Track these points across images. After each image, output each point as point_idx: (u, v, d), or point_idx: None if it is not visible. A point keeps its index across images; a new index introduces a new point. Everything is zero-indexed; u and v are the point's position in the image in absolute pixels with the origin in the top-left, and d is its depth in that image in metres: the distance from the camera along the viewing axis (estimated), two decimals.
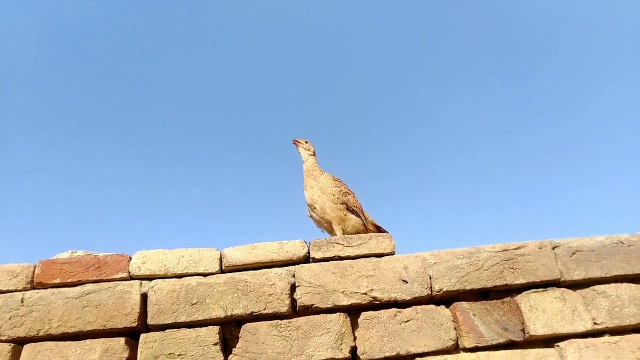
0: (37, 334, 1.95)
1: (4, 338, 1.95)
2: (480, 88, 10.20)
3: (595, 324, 2.04)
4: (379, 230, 2.61)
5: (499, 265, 2.13)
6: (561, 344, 1.99)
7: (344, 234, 2.44)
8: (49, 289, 2.05)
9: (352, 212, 2.49)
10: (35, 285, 2.07)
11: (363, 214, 2.54)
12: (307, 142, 2.73)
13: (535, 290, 2.11)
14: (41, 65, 8.97)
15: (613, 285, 2.13)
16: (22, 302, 2.01)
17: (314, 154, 2.72)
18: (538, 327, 2.01)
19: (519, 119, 9.84)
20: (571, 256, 2.17)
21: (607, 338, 2.01)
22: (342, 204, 2.47)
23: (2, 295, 2.03)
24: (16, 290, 2.05)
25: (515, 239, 2.21)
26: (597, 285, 2.13)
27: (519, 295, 2.10)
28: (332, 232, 2.53)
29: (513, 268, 2.13)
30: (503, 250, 2.18)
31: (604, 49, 8.88)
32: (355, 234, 2.47)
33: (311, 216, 2.59)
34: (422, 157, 10.60)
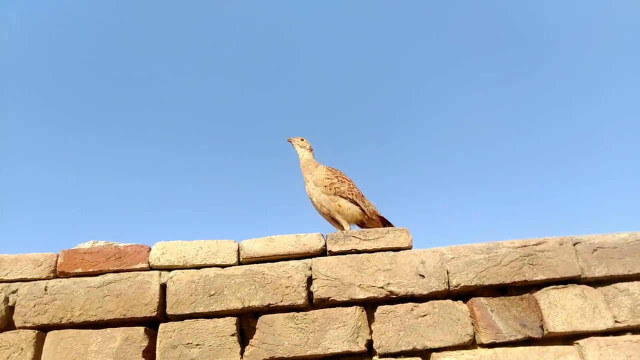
0: (60, 322, 2.00)
1: (28, 325, 2.00)
2: (500, 80, 10.03)
3: (616, 321, 2.00)
4: (383, 220, 2.59)
5: (517, 261, 2.11)
6: (581, 342, 1.96)
7: (348, 224, 2.45)
8: (71, 278, 2.10)
9: (350, 200, 2.47)
10: (57, 274, 2.12)
11: (362, 202, 2.52)
12: (302, 140, 2.75)
13: (554, 286, 2.08)
14: (57, 59, 9.10)
15: (636, 282, 2.09)
16: (46, 290, 2.05)
17: (310, 150, 2.74)
18: (557, 324, 1.98)
19: (539, 112, 9.65)
20: (592, 252, 2.14)
21: (628, 336, 1.97)
22: (335, 194, 2.46)
23: (26, 283, 2.08)
24: (40, 279, 2.10)
25: (534, 235, 2.18)
26: (619, 283, 2.09)
27: (538, 292, 2.07)
28: (333, 222, 2.54)
29: (532, 264, 2.10)
30: (522, 246, 2.15)
31: (625, 36, 8.62)
32: (357, 222, 2.48)
33: (314, 207, 2.60)
34: (441, 150, 10.49)
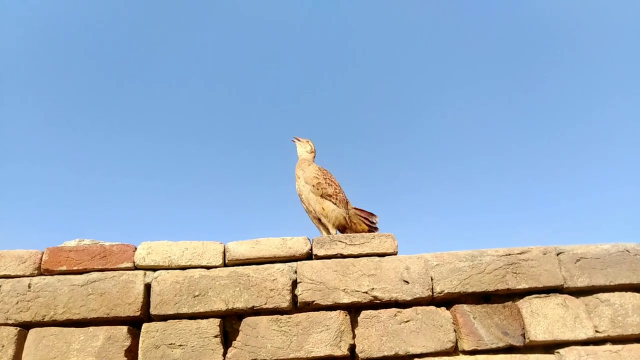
0: (43, 319, 1.99)
1: (10, 321, 1.99)
2: (489, 91, 10.10)
3: (596, 331, 2.02)
4: (365, 222, 2.60)
5: (501, 269, 2.13)
6: (561, 350, 1.98)
7: (333, 228, 2.46)
8: (55, 276, 2.09)
9: (334, 204, 2.48)
10: (42, 271, 2.11)
11: (346, 208, 2.54)
12: (308, 142, 2.77)
13: (537, 295, 2.09)
14: (44, 58, 9.07)
15: (617, 293, 2.11)
16: (29, 287, 2.05)
17: (312, 152, 2.75)
18: (538, 333, 2.00)
19: (529, 123, 9.72)
20: (575, 263, 2.16)
21: (608, 346, 1.99)
22: (321, 195, 2.48)
23: (10, 279, 2.07)
24: (24, 276, 2.09)
25: (519, 244, 2.20)
26: (601, 293, 2.11)
27: (521, 300, 2.09)
28: (318, 223, 2.55)
29: (516, 272, 2.12)
30: (506, 254, 2.17)
31: (620, 49, 8.72)
32: (339, 226, 2.49)
33: (302, 205, 2.61)
34: (429, 158, 10.53)
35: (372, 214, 2.62)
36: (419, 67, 10.50)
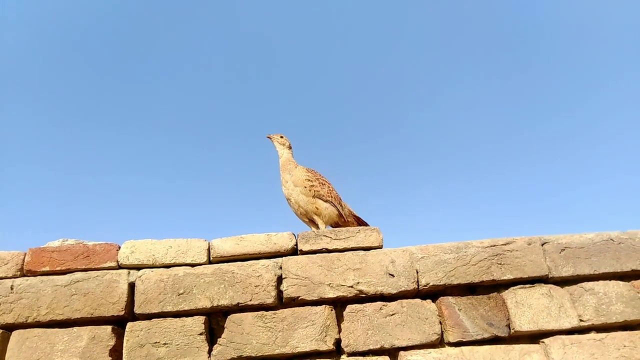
0: (26, 321, 1.98)
1: None
2: (474, 85, 10.10)
3: (581, 320, 2.03)
4: (359, 220, 2.61)
5: (486, 260, 2.13)
6: (546, 340, 1.98)
7: (324, 225, 2.46)
8: (38, 277, 2.07)
9: (327, 202, 2.49)
10: (24, 272, 2.10)
11: (340, 204, 2.54)
12: (281, 137, 2.74)
13: (522, 286, 2.10)
14: (36, 55, 8.97)
15: (601, 282, 2.12)
16: (11, 288, 2.03)
17: (290, 148, 2.73)
18: (523, 323, 2.01)
19: (513, 116, 9.75)
20: (560, 252, 2.16)
21: (592, 335, 2.00)
22: (314, 196, 2.48)
23: None
24: (5, 277, 2.07)
25: (504, 235, 2.20)
26: (585, 282, 2.12)
27: (506, 291, 2.10)
28: (310, 223, 2.56)
29: (501, 263, 2.13)
30: (491, 246, 2.17)
31: (606, 46, 8.74)
32: (333, 224, 2.49)
33: (291, 209, 2.60)
34: (415, 153, 10.55)
35: (366, 224, 2.62)
36: (407, 64, 10.48)
